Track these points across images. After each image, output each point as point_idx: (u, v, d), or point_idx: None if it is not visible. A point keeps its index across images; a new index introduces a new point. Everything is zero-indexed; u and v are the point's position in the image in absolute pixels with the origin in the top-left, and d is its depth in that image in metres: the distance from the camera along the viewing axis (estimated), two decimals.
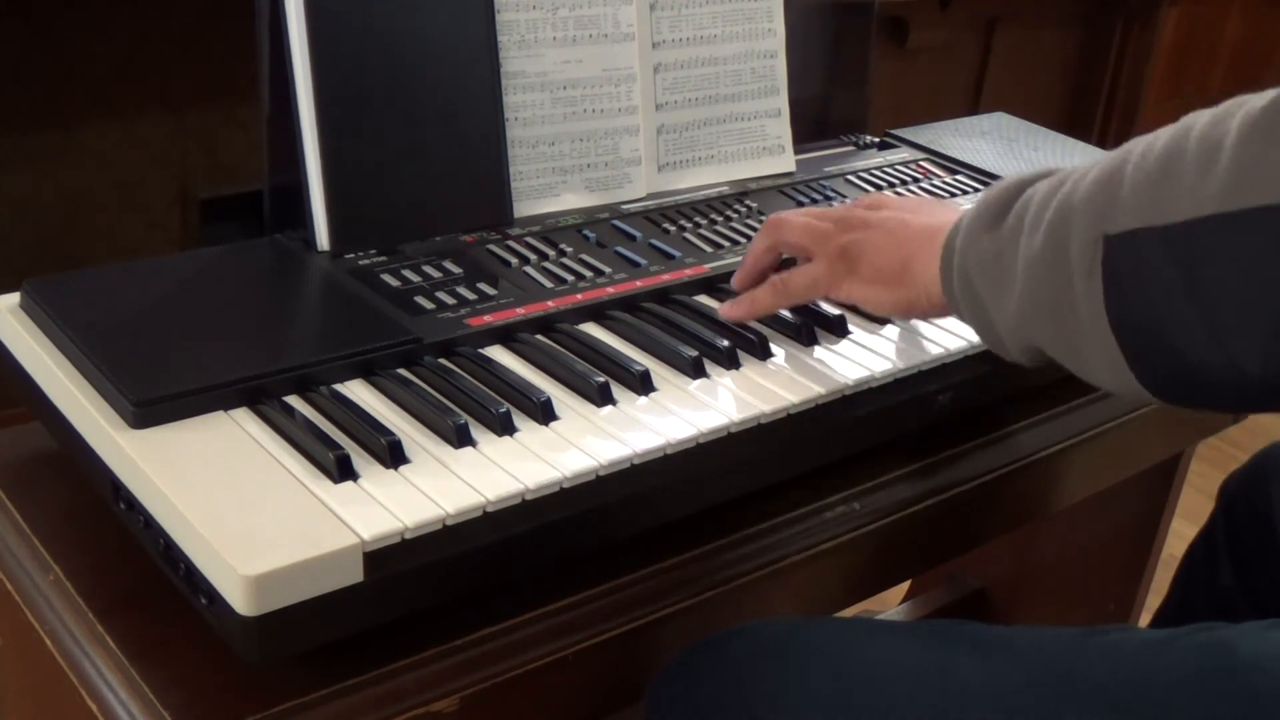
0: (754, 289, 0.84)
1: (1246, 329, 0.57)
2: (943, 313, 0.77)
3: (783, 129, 1.09)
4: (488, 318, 0.81)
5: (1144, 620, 1.29)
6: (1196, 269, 0.58)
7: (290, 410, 0.70)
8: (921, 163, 1.16)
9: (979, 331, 0.73)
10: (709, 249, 0.94)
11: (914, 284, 0.77)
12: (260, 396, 0.71)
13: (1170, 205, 0.59)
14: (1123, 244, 0.61)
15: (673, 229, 0.96)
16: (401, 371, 0.75)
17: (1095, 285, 0.62)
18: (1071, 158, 1.21)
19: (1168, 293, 0.59)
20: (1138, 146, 0.63)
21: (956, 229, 0.73)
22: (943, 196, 1.09)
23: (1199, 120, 0.61)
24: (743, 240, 0.95)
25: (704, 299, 0.89)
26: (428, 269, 0.85)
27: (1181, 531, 1.23)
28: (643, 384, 0.77)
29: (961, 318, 0.74)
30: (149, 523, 0.65)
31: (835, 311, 0.86)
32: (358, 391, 0.74)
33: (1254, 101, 0.58)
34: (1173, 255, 0.59)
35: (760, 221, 0.99)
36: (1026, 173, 0.72)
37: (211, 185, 1.24)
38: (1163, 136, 0.62)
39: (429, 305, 0.81)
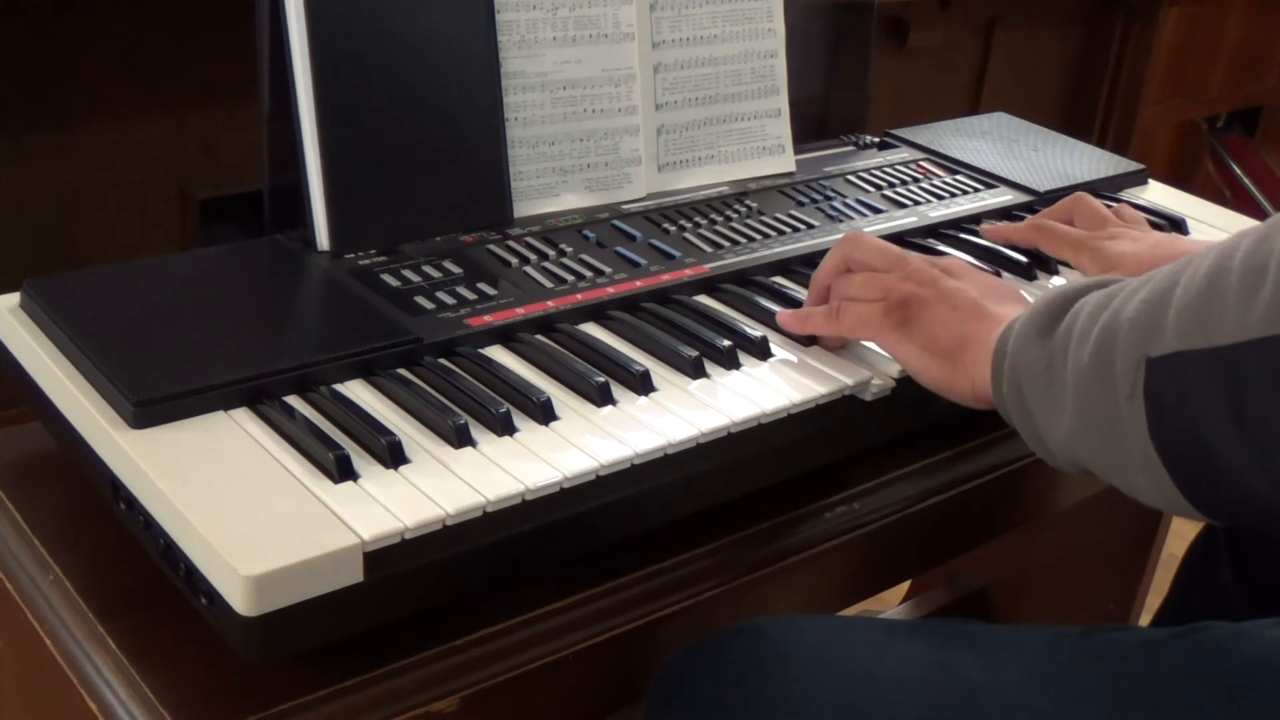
0: (815, 307, 0.83)
1: None
2: (984, 406, 0.75)
3: (783, 129, 1.09)
4: (488, 318, 0.81)
5: (1144, 620, 1.29)
6: (1243, 394, 0.56)
7: (290, 410, 0.70)
8: (921, 163, 1.16)
9: (1026, 438, 0.71)
10: (709, 249, 0.94)
11: (962, 370, 0.75)
12: (260, 396, 0.71)
13: (1215, 328, 0.58)
14: (1166, 366, 0.60)
15: (673, 229, 0.96)
16: (401, 371, 0.76)
17: (1138, 409, 0.61)
18: (1071, 157, 1.21)
19: (1214, 417, 0.58)
20: (1188, 268, 0.61)
21: (1010, 330, 0.71)
22: (943, 197, 1.09)
23: (1245, 240, 0.59)
24: (743, 240, 0.95)
25: (704, 299, 0.89)
26: (428, 269, 0.85)
27: (1181, 531, 1.23)
28: (643, 384, 0.77)
29: (1009, 420, 0.72)
30: (149, 523, 0.65)
31: None
32: (358, 391, 0.74)
33: None
34: (1218, 379, 0.57)
35: (760, 221, 0.99)
36: (1081, 280, 0.70)
37: (211, 185, 1.24)
38: (1209, 257, 0.60)
39: (429, 305, 0.81)
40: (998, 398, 0.72)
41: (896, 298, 0.79)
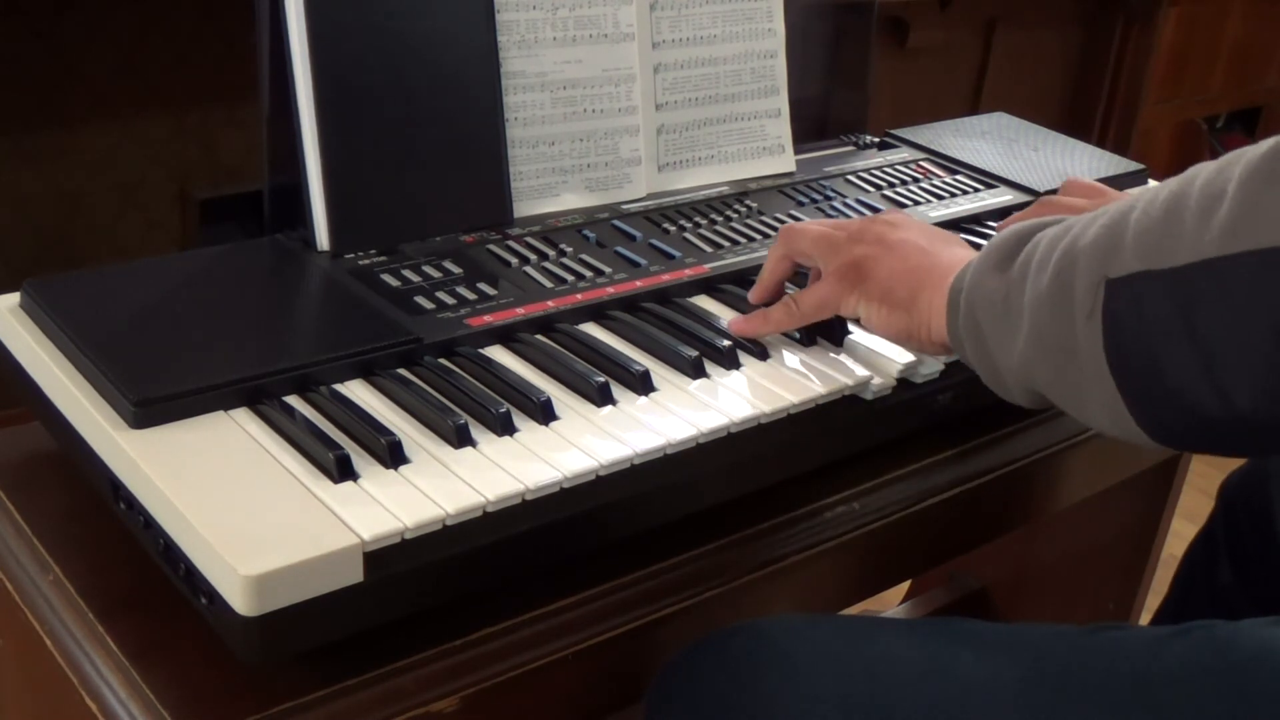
0: (768, 307, 0.84)
1: (1240, 366, 0.57)
2: (939, 350, 0.78)
3: (783, 129, 1.09)
4: (488, 318, 0.81)
5: (1144, 620, 1.29)
6: (1195, 310, 0.58)
7: (290, 410, 0.70)
8: (921, 163, 1.16)
9: (980, 370, 0.73)
10: (709, 249, 0.94)
11: (918, 315, 0.76)
12: (260, 396, 0.71)
13: (1172, 250, 0.60)
14: (1124, 287, 0.61)
15: (673, 229, 0.96)
16: (401, 371, 0.76)
17: (1096, 328, 0.62)
18: (1071, 157, 1.21)
19: (1166, 334, 0.60)
20: (1145, 195, 0.64)
21: (966, 269, 0.73)
22: (943, 197, 1.09)
23: (1204, 170, 0.61)
24: (743, 240, 0.95)
25: (704, 299, 0.89)
26: (428, 269, 0.85)
27: (1181, 531, 1.23)
28: (643, 384, 0.77)
29: (963, 356, 0.74)
30: (149, 523, 0.65)
31: None
32: (358, 391, 0.74)
33: (1255, 149, 0.59)
34: (1172, 298, 0.59)
35: (760, 221, 0.99)
36: (1038, 218, 0.72)
37: (211, 185, 1.24)
38: (1168, 186, 0.62)
39: (429, 305, 0.81)
40: (952, 336, 0.74)
41: (847, 260, 0.80)
